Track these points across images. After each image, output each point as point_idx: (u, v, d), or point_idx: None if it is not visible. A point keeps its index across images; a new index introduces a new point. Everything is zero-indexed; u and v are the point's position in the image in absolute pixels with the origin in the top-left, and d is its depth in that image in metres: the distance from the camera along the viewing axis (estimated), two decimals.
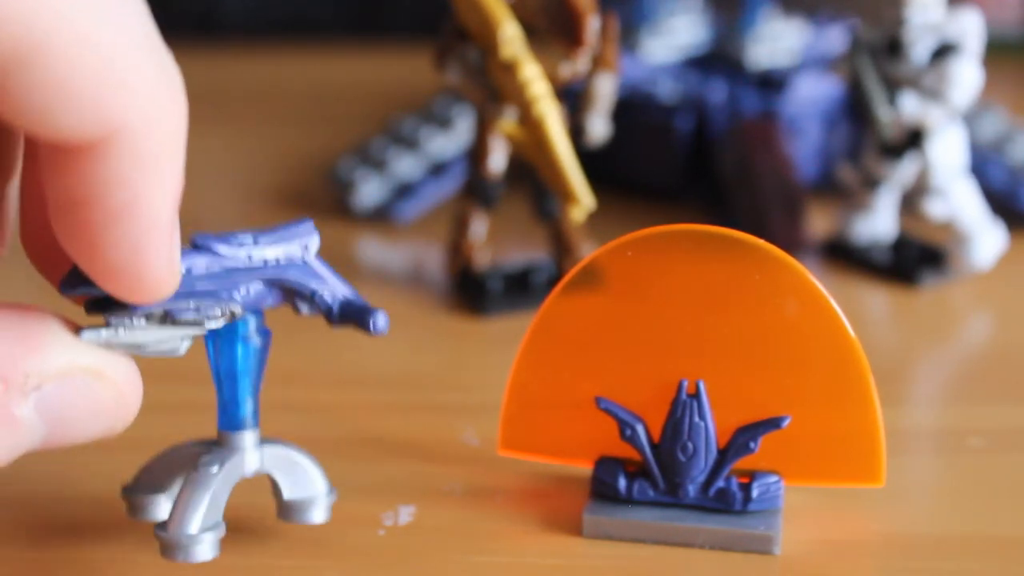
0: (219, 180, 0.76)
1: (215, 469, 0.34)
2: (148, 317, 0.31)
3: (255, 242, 0.33)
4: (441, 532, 0.37)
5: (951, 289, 0.56)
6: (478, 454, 0.42)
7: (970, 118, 0.64)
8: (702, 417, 0.36)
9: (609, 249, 0.36)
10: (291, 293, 0.34)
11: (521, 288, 0.54)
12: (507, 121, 0.51)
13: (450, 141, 0.67)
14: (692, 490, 0.37)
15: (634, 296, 0.37)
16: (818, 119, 0.66)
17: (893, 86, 0.55)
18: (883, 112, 0.55)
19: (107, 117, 0.27)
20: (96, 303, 0.31)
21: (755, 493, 0.36)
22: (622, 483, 0.37)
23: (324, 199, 0.68)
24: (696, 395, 0.36)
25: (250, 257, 0.33)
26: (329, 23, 1.05)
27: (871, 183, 0.57)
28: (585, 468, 0.38)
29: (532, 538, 0.37)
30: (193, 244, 0.33)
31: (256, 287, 0.33)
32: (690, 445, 0.36)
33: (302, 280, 0.34)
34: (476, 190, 0.54)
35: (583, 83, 0.53)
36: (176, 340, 0.32)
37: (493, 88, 0.50)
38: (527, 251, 0.58)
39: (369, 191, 0.65)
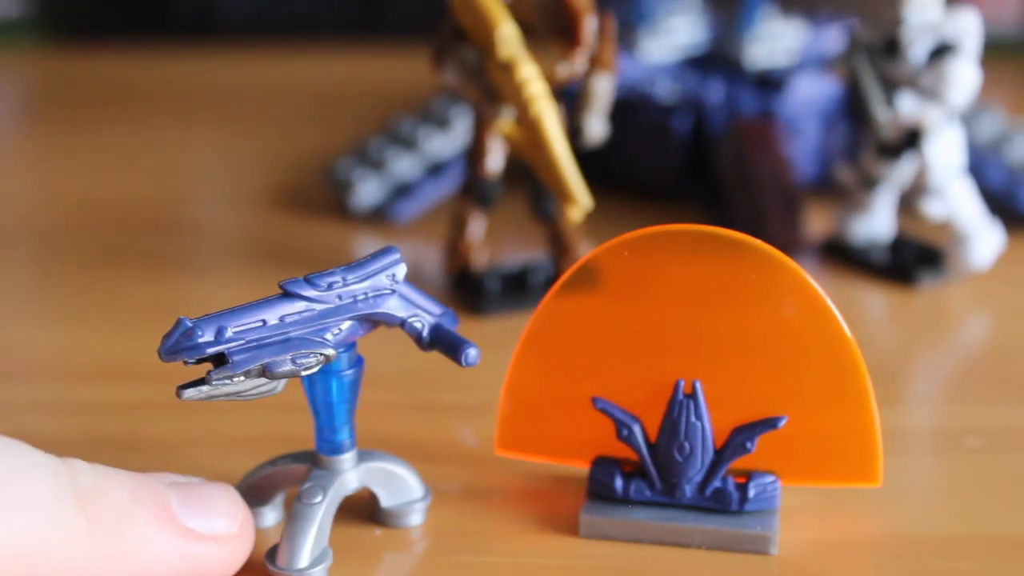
0: (218, 180, 0.77)
1: (319, 499, 0.35)
2: (247, 373, 0.32)
3: (344, 281, 0.34)
4: (438, 532, 0.37)
5: (949, 289, 0.56)
6: (476, 454, 0.42)
7: (968, 118, 0.64)
8: (699, 417, 0.36)
9: (606, 249, 0.36)
10: (380, 324, 0.35)
11: (519, 288, 0.54)
12: (505, 121, 0.51)
13: (448, 141, 0.67)
14: (689, 490, 0.37)
15: (631, 296, 0.37)
16: (816, 119, 0.66)
17: (891, 86, 0.55)
18: (881, 112, 0.55)
19: None
20: (199, 359, 0.32)
21: (752, 493, 0.36)
22: (619, 483, 0.37)
23: (322, 199, 0.68)
24: (693, 395, 0.36)
25: (339, 297, 0.34)
26: (328, 23, 1.05)
27: (869, 183, 0.57)
28: (582, 468, 0.38)
29: (529, 538, 0.37)
30: (283, 290, 0.33)
31: (347, 325, 0.34)
32: (687, 445, 0.36)
33: (391, 313, 0.35)
34: (474, 190, 0.54)
35: (581, 83, 0.53)
36: (273, 383, 0.33)
37: (491, 88, 0.50)
38: (525, 251, 0.58)
39: (367, 191, 0.65)
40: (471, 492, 0.39)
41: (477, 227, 0.55)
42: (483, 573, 0.35)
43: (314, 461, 0.36)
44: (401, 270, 0.35)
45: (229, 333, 0.32)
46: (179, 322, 0.32)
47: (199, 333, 0.32)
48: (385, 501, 0.37)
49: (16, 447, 0.30)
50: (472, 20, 0.49)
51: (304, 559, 0.34)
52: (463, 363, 0.35)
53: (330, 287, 0.33)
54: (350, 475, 0.36)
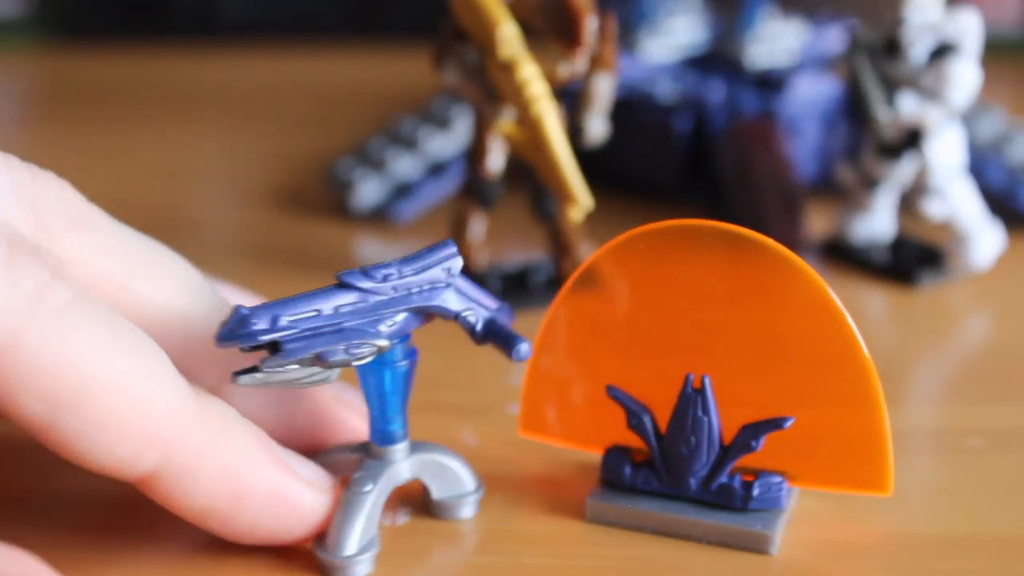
0: (218, 180, 0.77)
1: (368, 488, 0.35)
2: (300, 362, 0.32)
3: (399, 273, 0.34)
4: (438, 533, 0.37)
5: (950, 289, 0.56)
6: (476, 454, 0.42)
7: (969, 118, 0.64)
8: (706, 412, 0.36)
9: (623, 241, 0.37)
10: (435, 316, 0.35)
11: (520, 288, 0.54)
12: (505, 121, 0.51)
13: (449, 141, 0.67)
14: (694, 484, 0.37)
15: (647, 288, 0.37)
16: (817, 119, 0.66)
17: (891, 86, 0.55)
18: (881, 112, 0.55)
19: (145, 463, 0.31)
20: (253, 347, 0.33)
21: (756, 492, 0.36)
22: (627, 472, 0.37)
23: (323, 199, 0.68)
24: (701, 390, 0.36)
25: (395, 289, 0.34)
26: (329, 23, 1.05)
27: (870, 183, 0.57)
28: (597, 457, 0.39)
29: (530, 537, 0.37)
30: (339, 281, 0.33)
31: (402, 317, 0.34)
32: (692, 439, 0.36)
33: (446, 306, 0.35)
34: (475, 190, 0.54)
35: (581, 83, 0.52)
36: (327, 372, 0.33)
37: (491, 88, 0.50)
38: (525, 251, 0.58)
39: (368, 191, 0.65)
40: None
41: (478, 227, 0.55)
42: (483, 573, 0.35)
43: (367, 451, 0.37)
44: (457, 264, 0.35)
45: (283, 322, 0.32)
46: (235, 310, 0.32)
47: (254, 321, 0.32)
48: (436, 493, 0.37)
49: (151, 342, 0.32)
50: (472, 20, 0.49)
51: (351, 546, 0.34)
52: (514, 357, 0.35)
53: (385, 279, 0.34)
54: (402, 465, 0.36)
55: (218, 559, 0.36)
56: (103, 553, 0.36)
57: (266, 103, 0.92)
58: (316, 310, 0.33)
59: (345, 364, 0.33)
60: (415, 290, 0.34)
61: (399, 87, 0.87)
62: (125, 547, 0.37)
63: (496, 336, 0.35)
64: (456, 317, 0.35)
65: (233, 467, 0.32)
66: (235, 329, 0.32)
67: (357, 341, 0.33)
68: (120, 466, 0.31)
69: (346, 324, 0.33)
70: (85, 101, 0.93)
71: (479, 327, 0.36)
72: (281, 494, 0.33)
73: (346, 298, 0.33)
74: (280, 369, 0.32)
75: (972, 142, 0.61)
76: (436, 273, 0.34)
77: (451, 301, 0.35)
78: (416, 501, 0.38)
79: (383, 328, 0.34)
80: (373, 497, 0.35)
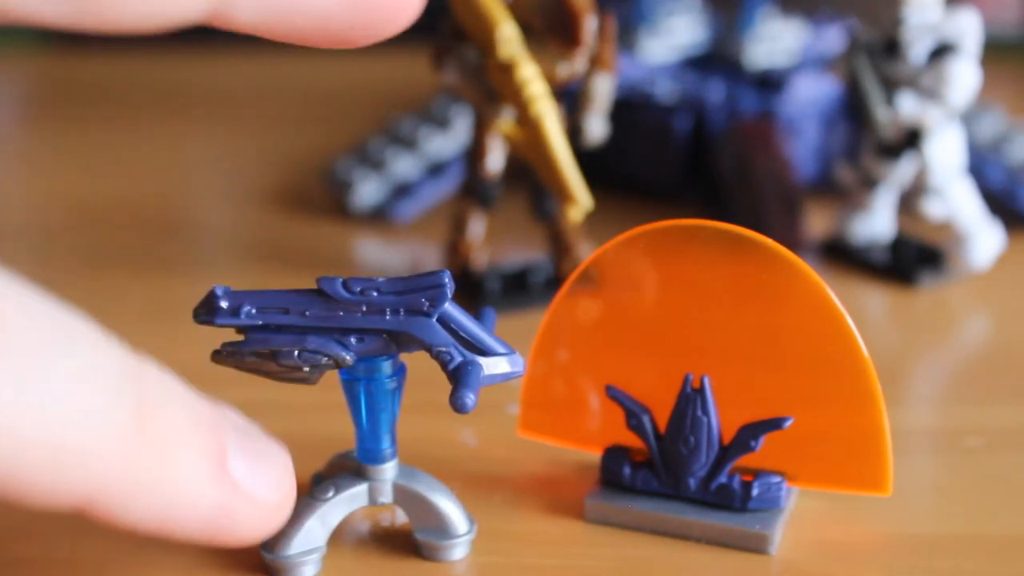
0: (218, 180, 0.77)
1: (328, 495, 0.35)
2: (258, 354, 0.33)
3: (378, 291, 0.33)
4: None
5: (949, 289, 0.56)
6: (476, 454, 0.42)
7: (968, 118, 0.64)
8: (705, 412, 0.36)
9: (623, 240, 0.37)
10: (411, 343, 0.34)
11: (519, 288, 0.54)
12: (505, 121, 0.51)
13: (448, 141, 0.67)
14: (693, 484, 0.37)
15: (647, 288, 0.37)
16: (816, 119, 0.66)
17: (891, 86, 0.55)
18: (881, 112, 0.55)
19: (69, 504, 0.27)
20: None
21: (755, 492, 0.36)
22: (627, 472, 0.37)
23: (322, 199, 0.68)
24: (700, 390, 0.36)
25: (367, 306, 0.33)
26: None
27: (869, 183, 0.57)
28: (597, 457, 0.39)
29: (531, 537, 0.37)
30: (318, 286, 0.33)
31: (372, 336, 0.33)
32: (692, 439, 0.36)
33: (421, 336, 0.33)
34: (474, 190, 0.54)
35: (581, 83, 0.53)
36: (306, 372, 0.33)
37: (491, 88, 0.50)
38: (525, 251, 0.58)
39: (367, 191, 0.65)
40: (472, 492, 0.39)
41: (477, 227, 0.55)
42: (483, 573, 0.35)
43: (356, 465, 0.36)
44: (441, 296, 0.33)
45: (248, 310, 0.32)
46: (212, 288, 0.33)
47: (221, 303, 0.32)
48: (417, 530, 0.36)
49: (91, 336, 0.27)
50: (472, 20, 0.49)
51: (291, 547, 0.34)
52: (451, 404, 0.32)
53: (362, 294, 0.32)
54: (379, 487, 0.35)
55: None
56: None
57: (266, 103, 0.92)
58: (284, 308, 0.33)
59: (297, 368, 0.33)
60: (389, 312, 0.33)
61: (399, 87, 0.87)
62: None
63: (453, 379, 0.33)
64: (429, 349, 0.33)
65: (168, 499, 0.28)
66: (204, 304, 0.33)
67: (313, 348, 0.32)
68: (39, 507, 0.27)
69: (312, 329, 0.33)
70: (85, 101, 0.93)
71: (450, 367, 0.33)
72: (221, 513, 0.30)
73: (315, 303, 0.33)
74: (237, 355, 0.33)
75: (972, 142, 0.61)
76: (416, 300, 0.33)
77: (429, 333, 0.33)
78: None
79: (350, 342, 0.33)
80: (328, 506, 0.35)
